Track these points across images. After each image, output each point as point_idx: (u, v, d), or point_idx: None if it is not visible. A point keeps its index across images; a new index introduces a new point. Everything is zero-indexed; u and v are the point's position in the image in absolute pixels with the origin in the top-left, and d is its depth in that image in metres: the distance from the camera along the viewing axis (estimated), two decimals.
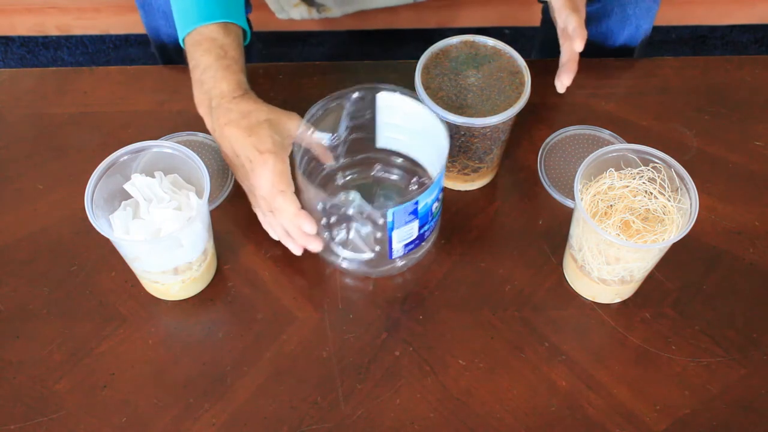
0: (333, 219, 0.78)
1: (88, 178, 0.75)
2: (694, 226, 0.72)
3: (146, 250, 0.75)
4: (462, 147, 0.82)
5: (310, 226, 0.76)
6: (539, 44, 1.25)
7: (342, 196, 0.74)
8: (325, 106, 0.77)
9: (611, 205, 0.76)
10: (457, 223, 0.87)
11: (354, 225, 0.77)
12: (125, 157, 0.77)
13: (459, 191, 0.89)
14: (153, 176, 0.77)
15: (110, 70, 0.99)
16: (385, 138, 0.81)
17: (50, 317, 0.80)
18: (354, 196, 0.73)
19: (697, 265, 0.84)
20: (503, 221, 0.87)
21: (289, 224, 0.78)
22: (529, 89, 0.81)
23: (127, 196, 0.77)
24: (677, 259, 0.81)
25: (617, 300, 0.81)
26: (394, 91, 0.77)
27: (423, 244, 0.81)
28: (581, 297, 0.82)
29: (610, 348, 0.79)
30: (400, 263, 0.82)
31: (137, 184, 0.76)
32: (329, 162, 0.80)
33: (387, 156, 0.82)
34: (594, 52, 1.05)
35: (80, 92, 0.96)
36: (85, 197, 0.74)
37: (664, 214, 0.75)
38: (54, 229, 0.85)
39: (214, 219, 0.82)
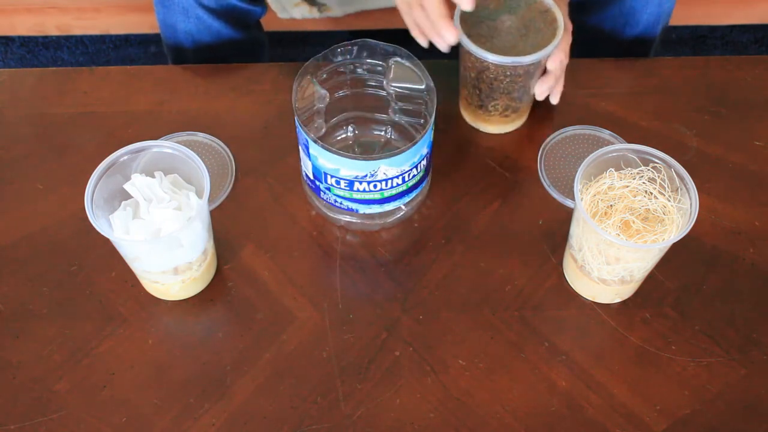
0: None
1: (88, 178, 0.75)
2: (694, 226, 0.72)
3: (146, 250, 0.75)
4: (506, 88, 0.86)
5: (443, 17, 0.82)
6: None
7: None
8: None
9: (611, 205, 0.76)
10: (457, 222, 0.86)
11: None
12: (125, 157, 0.77)
13: (463, 191, 0.89)
14: (153, 176, 0.77)
15: (110, 70, 0.99)
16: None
17: (50, 317, 0.80)
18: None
19: (697, 265, 0.83)
20: (503, 221, 0.87)
21: (431, 9, 0.82)
22: (562, 23, 0.84)
23: (127, 196, 0.77)
24: (677, 259, 0.81)
25: (617, 300, 0.81)
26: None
27: (338, 209, 0.83)
28: (581, 297, 0.82)
29: (610, 348, 0.79)
30: (343, 219, 0.85)
31: (137, 184, 0.76)
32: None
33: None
34: (615, 36, 1.08)
35: (80, 92, 0.96)
36: (85, 197, 0.73)
37: (664, 214, 0.75)
38: (54, 229, 0.85)
39: (214, 219, 0.82)
